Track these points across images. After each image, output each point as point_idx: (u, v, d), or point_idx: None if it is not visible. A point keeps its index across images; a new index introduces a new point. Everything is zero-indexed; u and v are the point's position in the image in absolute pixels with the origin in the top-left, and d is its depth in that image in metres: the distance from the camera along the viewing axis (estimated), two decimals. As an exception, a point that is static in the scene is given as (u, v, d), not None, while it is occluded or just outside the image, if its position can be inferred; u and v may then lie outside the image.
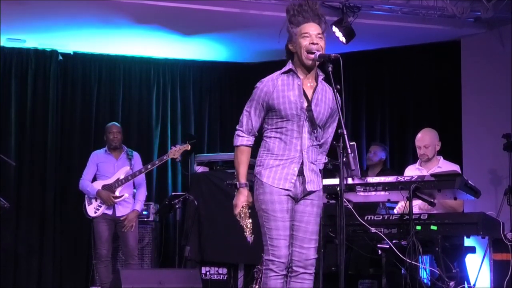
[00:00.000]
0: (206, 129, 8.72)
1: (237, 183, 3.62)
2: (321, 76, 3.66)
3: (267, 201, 3.55)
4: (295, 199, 3.61)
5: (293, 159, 3.58)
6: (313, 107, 3.57)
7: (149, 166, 6.62)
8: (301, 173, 3.58)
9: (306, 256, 3.58)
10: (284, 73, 3.63)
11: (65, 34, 7.60)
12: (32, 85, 7.99)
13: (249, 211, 3.60)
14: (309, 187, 3.59)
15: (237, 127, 3.68)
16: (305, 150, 3.58)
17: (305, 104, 3.57)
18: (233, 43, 8.02)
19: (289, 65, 3.63)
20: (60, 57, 8.10)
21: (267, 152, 3.63)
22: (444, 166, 5.57)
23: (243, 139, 3.65)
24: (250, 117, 3.64)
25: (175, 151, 6.55)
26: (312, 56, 3.55)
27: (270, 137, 3.63)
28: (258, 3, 6.83)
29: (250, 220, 3.58)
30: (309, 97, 3.59)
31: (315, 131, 3.59)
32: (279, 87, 3.58)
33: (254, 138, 3.67)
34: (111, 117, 7.95)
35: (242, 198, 3.59)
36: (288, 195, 3.57)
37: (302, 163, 3.57)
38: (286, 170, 3.57)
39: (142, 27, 7.35)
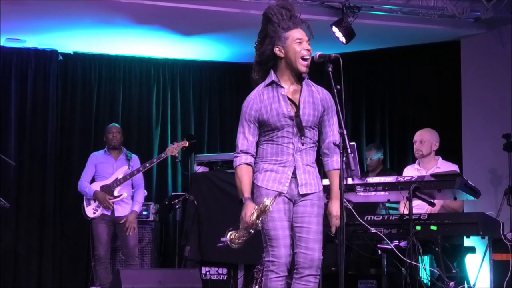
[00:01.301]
0: (206, 129, 8.71)
1: (242, 198, 3.54)
2: (304, 75, 3.64)
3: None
4: (293, 201, 3.60)
5: (286, 163, 3.58)
6: (301, 111, 3.58)
7: (147, 165, 6.61)
8: (295, 175, 3.58)
9: (311, 257, 3.55)
10: (266, 86, 3.62)
11: (65, 34, 7.60)
12: (32, 85, 7.98)
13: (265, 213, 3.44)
14: (302, 190, 3.59)
15: (234, 152, 3.65)
16: (298, 153, 3.58)
17: (293, 112, 3.57)
18: (233, 43, 8.02)
19: (271, 76, 3.61)
20: (60, 57, 8.10)
21: (261, 158, 3.63)
22: (443, 166, 5.58)
23: (241, 159, 3.61)
24: (245, 137, 3.61)
25: (173, 148, 6.57)
26: (306, 63, 3.56)
27: (263, 144, 3.63)
28: (258, 3, 6.82)
29: (259, 222, 3.44)
30: (296, 102, 3.59)
31: (302, 137, 3.58)
32: (265, 101, 3.58)
33: (253, 158, 3.62)
34: (111, 117, 7.95)
35: (250, 208, 3.47)
36: (284, 196, 3.56)
37: (295, 167, 3.58)
38: (280, 174, 3.57)
39: (142, 27, 7.35)
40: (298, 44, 3.56)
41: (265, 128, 3.60)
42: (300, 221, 3.59)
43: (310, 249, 3.55)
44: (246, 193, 3.54)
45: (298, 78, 3.63)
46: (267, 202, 3.41)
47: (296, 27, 3.59)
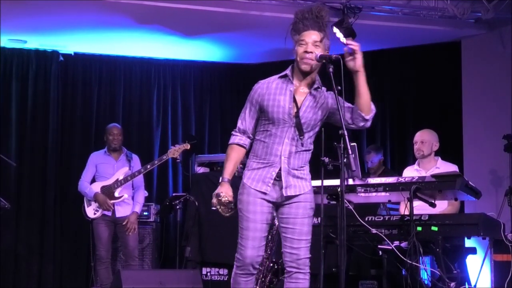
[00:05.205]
0: (206, 129, 8.72)
1: (221, 177, 3.69)
2: (317, 84, 3.67)
3: (243, 201, 3.65)
4: (276, 204, 3.66)
5: (272, 163, 3.64)
6: (301, 113, 3.61)
7: (148, 166, 6.61)
8: (280, 177, 3.62)
9: (297, 256, 3.62)
10: (280, 77, 3.69)
11: (66, 34, 7.61)
12: (32, 85, 8.00)
13: (231, 204, 3.62)
14: (286, 192, 3.63)
15: (233, 130, 3.76)
16: (285, 156, 3.62)
17: (294, 110, 3.61)
18: (233, 44, 8.02)
19: (287, 70, 3.69)
20: (61, 58, 8.11)
21: (252, 154, 3.73)
22: (442, 167, 5.59)
23: (235, 138, 3.74)
24: (244, 118, 3.73)
25: (175, 151, 6.57)
26: (304, 63, 3.58)
27: (257, 139, 3.72)
28: (259, 4, 6.84)
29: (221, 207, 3.62)
30: (299, 104, 3.62)
31: (301, 137, 3.62)
32: (272, 89, 3.65)
33: (248, 140, 3.73)
34: (112, 118, 7.95)
35: (221, 189, 3.65)
36: (264, 198, 3.63)
37: (281, 169, 3.62)
38: (265, 173, 3.64)
39: (143, 28, 7.35)
40: (301, 45, 3.60)
41: (263, 117, 3.67)
42: (285, 222, 3.67)
43: (295, 248, 3.63)
44: (227, 174, 3.69)
45: (307, 80, 3.65)
46: (230, 200, 3.62)
47: (306, 30, 3.62)
